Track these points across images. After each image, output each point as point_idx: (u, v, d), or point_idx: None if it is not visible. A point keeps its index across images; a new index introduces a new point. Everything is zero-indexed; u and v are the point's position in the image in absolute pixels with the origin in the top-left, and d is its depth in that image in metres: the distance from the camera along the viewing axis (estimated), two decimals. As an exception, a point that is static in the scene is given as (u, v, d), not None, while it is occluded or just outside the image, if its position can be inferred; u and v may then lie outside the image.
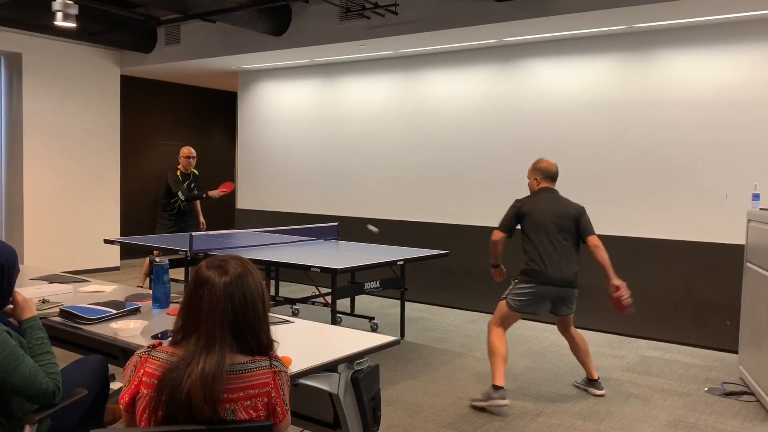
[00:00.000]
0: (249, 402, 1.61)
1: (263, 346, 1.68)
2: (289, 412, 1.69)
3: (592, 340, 5.70)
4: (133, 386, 1.64)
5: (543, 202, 4.25)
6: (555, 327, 6.13)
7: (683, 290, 5.64)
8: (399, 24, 6.23)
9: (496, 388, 3.96)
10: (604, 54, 6.05)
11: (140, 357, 1.67)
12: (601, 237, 5.30)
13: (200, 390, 1.54)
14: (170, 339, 1.70)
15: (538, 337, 5.79)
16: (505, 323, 4.26)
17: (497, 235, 4.31)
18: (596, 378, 4.36)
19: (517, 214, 4.26)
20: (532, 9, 5.47)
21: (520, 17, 5.55)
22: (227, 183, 7.22)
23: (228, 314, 1.61)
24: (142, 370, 1.64)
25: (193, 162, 7.23)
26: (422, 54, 7.14)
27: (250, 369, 1.63)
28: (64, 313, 2.82)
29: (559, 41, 6.24)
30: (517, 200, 4.33)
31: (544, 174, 4.35)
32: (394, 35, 6.32)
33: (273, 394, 1.64)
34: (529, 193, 4.41)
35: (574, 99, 6.21)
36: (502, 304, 4.28)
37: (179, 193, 6.99)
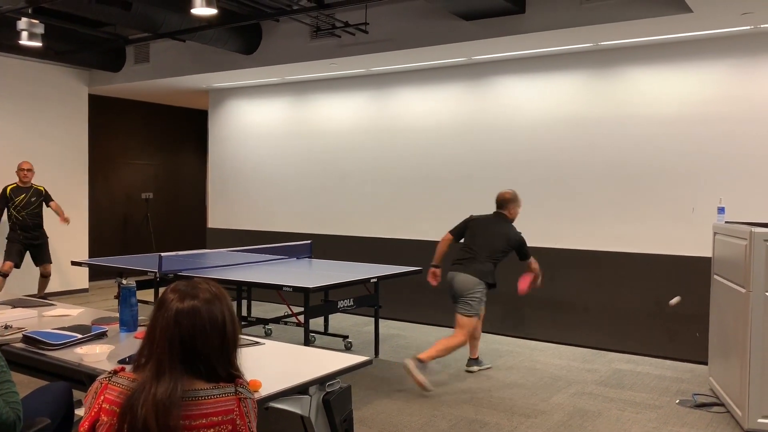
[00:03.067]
0: (212, 430, 1.55)
1: (221, 376, 1.61)
2: None
3: (565, 353, 5.73)
4: (93, 413, 1.60)
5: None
6: (529, 342, 6.17)
7: (653, 303, 5.71)
8: (369, 42, 6.27)
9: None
10: (572, 71, 6.15)
11: (101, 383, 1.63)
12: (570, 252, 5.39)
13: (153, 418, 1.49)
14: (134, 364, 1.66)
15: (512, 352, 5.80)
16: None
17: None
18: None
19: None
20: (500, 28, 5.55)
21: (488, 36, 5.63)
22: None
23: (176, 342, 1.56)
24: (102, 397, 1.60)
25: (30, 175, 7.17)
26: (393, 72, 7.19)
27: (212, 395, 1.57)
28: (27, 339, 2.74)
29: (527, 59, 6.34)
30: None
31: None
32: (364, 53, 6.36)
33: (238, 422, 1.57)
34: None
35: (543, 115, 6.30)
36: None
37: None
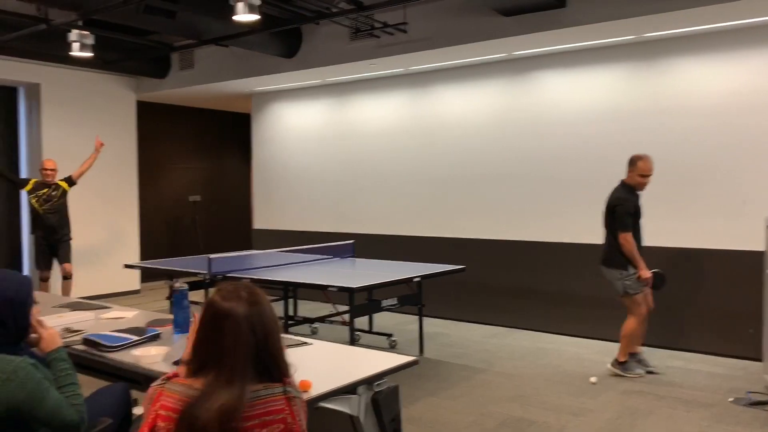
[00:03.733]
0: (265, 430, 1.59)
1: (281, 373, 1.66)
2: None
3: (613, 350, 5.65)
4: (150, 419, 1.64)
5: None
6: (575, 339, 6.10)
7: (704, 299, 5.58)
8: (408, 42, 6.29)
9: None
10: (615, 64, 6.05)
11: (156, 390, 1.67)
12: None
13: (217, 424, 1.52)
14: (186, 368, 1.69)
15: (558, 350, 5.75)
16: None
17: None
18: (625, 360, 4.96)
19: None
20: (540, 23, 5.50)
21: (528, 31, 5.58)
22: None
23: (252, 347, 1.60)
24: (158, 404, 1.64)
25: (53, 175, 7.00)
26: (432, 70, 7.19)
27: (263, 396, 1.61)
28: (87, 342, 2.86)
29: (569, 53, 6.26)
30: None
31: None
32: (403, 53, 6.38)
33: (289, 420, 1.61)
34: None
35: (586, 110, 6.21)
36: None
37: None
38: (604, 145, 6.11)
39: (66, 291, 7.06)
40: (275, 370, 1.65)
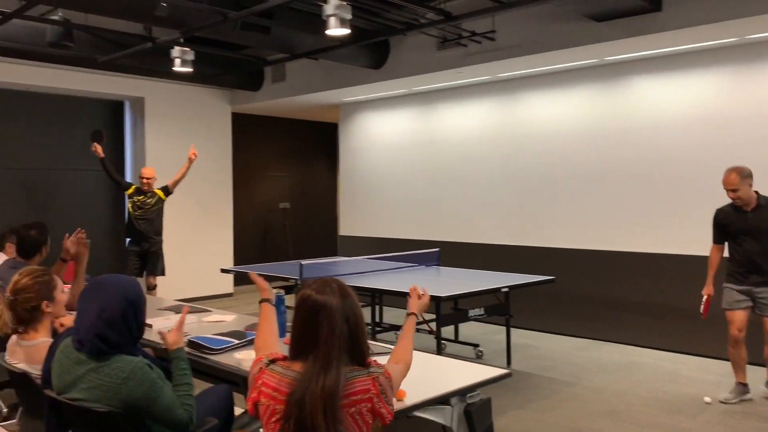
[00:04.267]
0: (354, 408, 1.75)
1: (365, 356, 1.84)
2: (393, 410, 1.83)
3: (712, 367, 5.39)
4: (254, 394, 1.85)
5: None
6: (671, 354, 5.86)
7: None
8: (496, 50, 6.26)
9: None
10: (714, 68, 5.78)
11: (259, 369, 1.88)
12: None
13: (321, 405, 1.69)
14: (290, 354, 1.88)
15: (654, 365, 5.54)
16: None
17: None
18: None
19: None
20: (635, 27, 5.34)
21: (622, 36, 5.43)
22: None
23: (345, 335, 1.78)
24: (260, 381, 1.84)
25: (152, 183, 6.99)
26: (520, 77, 7.12)
27: (352, 377, 1.78)
28: (192, 344, 3.03)
29: (664, 57, 6.04)
30: None
31: (751, 177, 4.43)
32: (491, 61, 6.35)
33: (375, 400, 1.78)
34: (747, 204, 4.44)
35: (682, 116, 5.97)
36: None
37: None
38: (700, 152, 5.85)
39: None
40: (361, 355, 1.83)
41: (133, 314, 2.21)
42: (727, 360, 5.61)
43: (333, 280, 1.89)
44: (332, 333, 1.77)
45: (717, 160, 5.77)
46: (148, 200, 6.98)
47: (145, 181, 6.97)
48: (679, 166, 5.98)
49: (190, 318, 3.75)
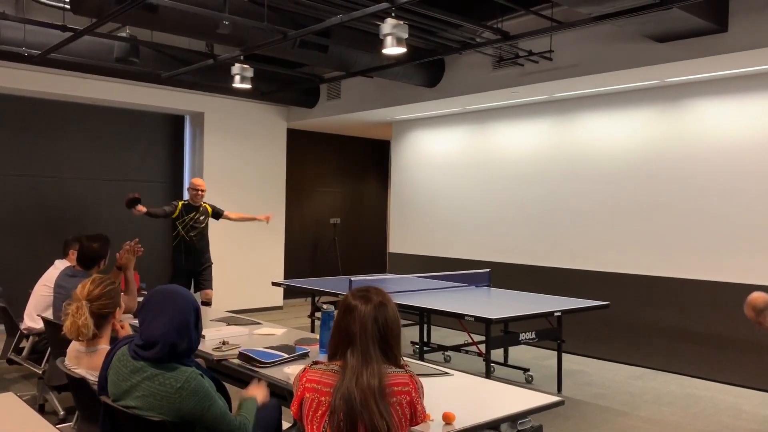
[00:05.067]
0: (395, 399, 1.86)
1: (399, 360, 1.97)
2: (425, 417, 1.97)
3: (751, 398, 5.13)
4: (299, 394, 1.97)
5: None
6: (731, 388, 5.60)
7: None
8: (553, 69, 6.19)
9: None
10: (784, 91, 5.56)
11: (303, 369, 2.01)
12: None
13: (371, 395, 1.83)
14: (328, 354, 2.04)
15: (713, 398, 5.31)
16: None
17: None
18: None
19: None
20: (698, 48, 5.20)
21: (684, 57, 5.29)
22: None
23: (376, 334, 1.93)
24: (304, 378, 1.96)
25: (203, 195, 6.64)
26: (577, 97, 7.01)
27: (394, 372, 1.92)
28: (243, 356, 3.06)
29: (729, 79, 5.85)
30: None
31: None
32: (548, 80, 6.28)
33: (413, 395, 1.90)
34: None
35: (746, 140, 5.75)
36: None
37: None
38: (766, 179, 5.62)
39: None
40: (394, 357, 1.96)
41: (196, 324, 2.26)
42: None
43: (373, 288, 2.03)
44: (365, 331, 1.91)
45: (785, 186, 5.54)
46: (200, 217, 6.65)
47: (200, 193, 6.64)
48: (742, 193, 5.76)
49: (241, 330, 3.80)
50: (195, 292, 6.70)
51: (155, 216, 6.50)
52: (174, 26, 5.45)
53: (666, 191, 6.31)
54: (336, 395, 1.86)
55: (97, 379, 2.46)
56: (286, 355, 3.06)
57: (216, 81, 7.55)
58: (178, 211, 6.55)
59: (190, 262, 6.62)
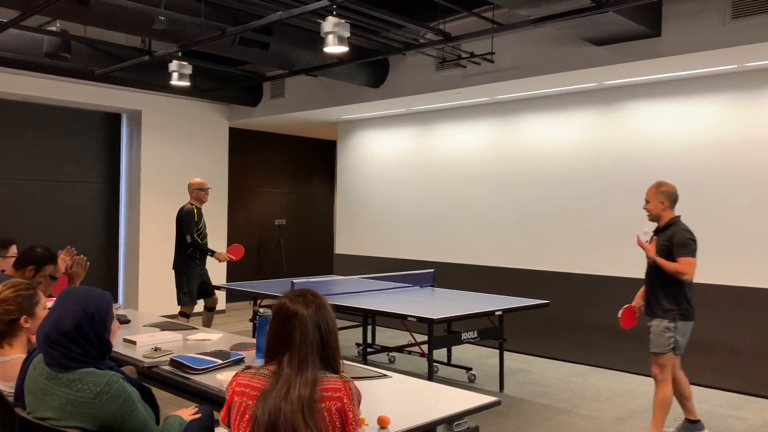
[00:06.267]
0: (323, 405, 1.79)
1: (338, 366, 1.91)
2: (358, 424, 1.88)
3: (709, 398, 5.30)
4: (228, 396, 1.90)
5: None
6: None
7: (814, 347, 5.15)
8: (495, 71, 6.24)
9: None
10: (713, 94, 5.76)
11: (234, 374, 1.94)
12: (717, 288, 4.92)
13: (299, 411, 1.76)
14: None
15: (649, 393, 5.44)
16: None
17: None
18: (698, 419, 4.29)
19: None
20: (634, 52, 5.33)
21: (621, 60, 5.42)
22: (238, 247, 6.49)
23: (317, 341, 1.87)
24: (234, 383, 1.90)
25: (208, 194, 6.43)
26: (519, 99, 7.10)
27: (326, 377, 1.86)
28: (174, 363, 2.95)
29: (664, 83, 6.02)
30: (692, 234, 4.07)
31: (672, 199, 4.17)
32: (490, 82, 6.33)
33: (345, 401, 1.82)
34: (654, 220, 4.21)
35: (681, 142, 5.93)
36: (669, 355, 4.06)
37: (188, 237, 6.13)
38: (698, 178, 5.80)
39: (210, 324, 6.45)
40: (333, 362, 1.91)
41: (91, 327, 2.13)
42: (725, 390, 5.54)
43: (309, 291, 1.98)
44: (305, 338, 1.86)
45: (716, 186, 5.73)
46: (204, 221, 6.43)
47: (209, 191, 6.43)
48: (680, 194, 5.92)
49: (175, 335, 3.67)
50: (206, 297, 6.50)
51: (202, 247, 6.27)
52: (107, 21, 5.25)
53: (605, 192, 6.45)
54: (261, 404, 1.80)
55: (12, 391, 2.32)
56: (221, 361, 2.96)
57: (154, 78, 7.32)
58: (197, 217, 6.29)
59: (202, 268, 6.38)
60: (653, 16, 5.15)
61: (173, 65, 6.06)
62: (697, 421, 4.33)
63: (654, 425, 4.08)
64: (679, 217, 4.17)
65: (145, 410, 2.13)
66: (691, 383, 5.69)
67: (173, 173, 8.85)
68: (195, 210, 6.33)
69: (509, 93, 6.82)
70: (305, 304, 1.91)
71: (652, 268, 4.13)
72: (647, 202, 4.22)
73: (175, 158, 8.86)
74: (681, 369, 4.30)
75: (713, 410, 4.99)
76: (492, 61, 6.18)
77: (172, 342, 3.53)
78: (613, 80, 6.11)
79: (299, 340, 1.85)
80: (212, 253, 6.34)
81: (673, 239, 4.04)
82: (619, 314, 4.41)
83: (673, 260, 4.00)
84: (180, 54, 6.13)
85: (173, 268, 6.41)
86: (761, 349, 5.40)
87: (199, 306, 6.55)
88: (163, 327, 4.00)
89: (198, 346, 3.41)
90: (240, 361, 3.05)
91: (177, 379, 2.85)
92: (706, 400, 5.25)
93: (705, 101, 5.82)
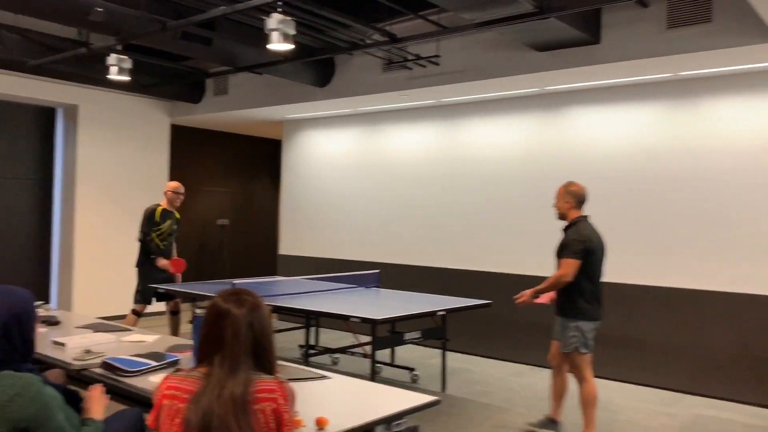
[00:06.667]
0: (258, 406, 1.76)
1: (273, 367, 1.88)
2: (293, 425, 1.87)
3: (643, 396, 5.47)
4: (157, 402, 1.84)
5: (594, 237, 4.19)
6: (604, 382, 5.90)
7: (740, 345, 5.38)
8: (440, 74, 6.29)
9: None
10: (649, 101, 5.96)
11: (164, 378, 1.89)
12: (649, 288, 5.03)
13: (232, 413, 1.72)
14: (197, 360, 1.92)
15: (585, 392, 5.57)
16: (556, 359, 4.28)
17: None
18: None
19: (585, 251, 4.10)
20: (574, 59, 5.46)
21: (561, 66, 5.54)
22: (179, 262, 6.40)
23: (250, 341, 1.83)
24: (164, 386, 1.85)
25: (181, 199, 6.39)
26: (463, 102, 7.18)
27: (261, 378, 1.83)
28: (106, 365, 2.84)
29: (603, 89, 6.19)
30: (581, 235, 4.14)
31: (578, 199, 4.28)
32: (435, 85, 6.38)
33: (280, 402, 1.80)
34: (561, 218, 4.33)
35: (619, 147, 6.12)
36: (582, 355, 4.13)
37: (139, 234, 6.21)
38: (634, 182, 5.99)
39: (177, 328, 6.45)
40: (268, 364, 1.87)
41: (17, 329, 2.05)
42: (658, 388, 5.73)
43: (244, 291, 1.93)
44: (237, 337, 1.81)
45: (651, 190, 5.93)
46: (174, 226, 6.39)
47: (181, 196, 6.38)
48: (616, 197, 6.11)
49: (108, 337, 3.54)
50: (168, 301, 6.40)
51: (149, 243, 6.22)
52: (40, 10, 5.06)
53: (545, 195, 6.55)
54: (193, 406, 1.75)
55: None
56: (155, 363, 2.87)
57: (91, 72, 7.08)
58: (159, 215, 6.23)
59: (163, 272, 6.29)
60: (593, 23, 5.29)
61: (112, 59, 5.85)
62: (556, 422, 4.40)
63: (586, 424, 4.16)
64: (584, 217, 4.29)
65: (66, 416, 2.04)
66: (625, 382, 5.89)
67: (111, 170, 8.58)
68: (159, 211, 6.27)
69: (454, 96, 6.89)
70: (238, 304, 1.87)
71: (557, 265, 4.25)
72: (556, 200, 4.31)
73: (113, 155, 8.59)
74: (568, 370, 4.36)
75: (646, 407, 5.15)
76: (437, 64, 6.23)
77: (105, 344, 3.40)
78: (554, 86, 6.24)
79: (231, 340, 1.81)
80: (154, 257, 6.24)
81: (564, 240, 4.20)
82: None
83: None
84: (119, 47, 5.94)
85: (135, 266, 6.41)
86: (691, 349, 5.61)
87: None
88: (96, 328, 3.85)
89: (132, 348, 3.29)
90: (175, 362, 2.96)
91: (108, 382, 2.74)
92: (639, 398, 5.42)
93: (641, 108, 6.01)
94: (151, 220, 6.22)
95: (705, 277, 5.59)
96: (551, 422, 4.41)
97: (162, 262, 6.26)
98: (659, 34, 5.04)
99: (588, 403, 4.14)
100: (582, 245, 4.10)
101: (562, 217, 4.32)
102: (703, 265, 5.60)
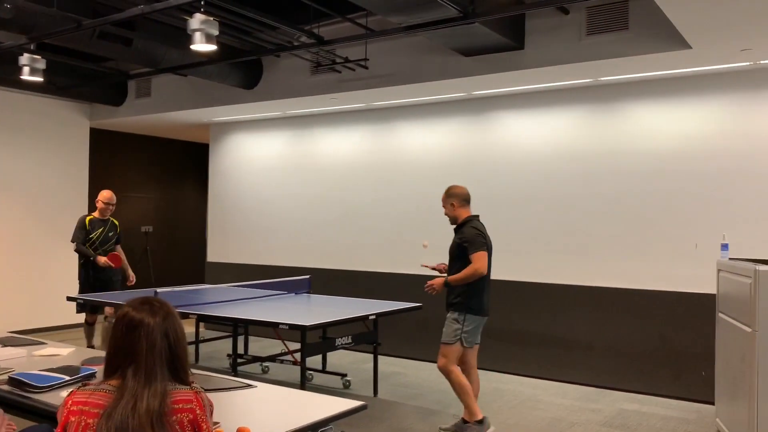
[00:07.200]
0: (174, 417, 1.71)
1: (187, 376, 1.83)
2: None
3: (567, 392, 5.61)
4: (63, 419, 1.74)
5: (487, 234, 4.42)
6: (533, 381, 6.04)
7: (657, 341, 5.61)
8: (369, 78, 6.29)
9: (480, 422, 4.18)
10: (571, 106, 6.15)
11: (69, 393, 1.79)
12: (572, 288, 5.12)
13: (149, 428, 1.66)
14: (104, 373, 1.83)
15: (515, 391, 5.67)
16: (459, 360, 4.36)
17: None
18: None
19: (485, 245, 4.34)
20: (499, 64, 5.57)
21: (487, 71, 5.64)
22: (115, 255, 6.44)
23: (165, 351, 1.78)
24: (70, 402, 1.75)
25: (111, 209, 6.49)
26: (393, 107, 7.20)
27: (177, 389, 1.77)
28: (13, 381, 2.66)
29: (527, 94, 6.34)
30: (480, 231, 4.35)
31: (462, 198, 4.47)
32: (364, 89, 6.37)
33: (198, 412, 1.75)
34: (454, 222, 4.50)
35: (543, 150, 6.28)
36: (456, 346, 4.28)
37: (73, 242, 6.37)
38: (557, 183, 6.16)
39: (91, 338, 6.58)
40: (183, 373, 1.82)
41: None
42: (582, 384, 5.89)
43: (155, 299, 1.88)
44: (152, 348, 1.76)
45: (573, 193, 6.10)
46: (109, 233, 6.46)
47: (110, 208, 6.47)
48: (540, 199, 6.26)
49: (19, 351, 3.34)
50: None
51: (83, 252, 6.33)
52: (-59, 4, 4.72)
53: (473, 197, 6.66)
54: (105, 421, 1.67)
55: None
56: (67, 377, 2.71)
57: (1, 72, 6.70)
58: (88, 226, 6.36)
59: (98, 278, 6.37)
60: (517, 29, 5.41)
61: (24, 58, 5.55)
62: (468, 423, 4.40)
63: (467, 412, 4.27)
64: (475, 216, 4.49)
65: None
66: (550, 380, 6.03)
67: (26, 175, 8.14)
68: (88, 220, 6.39)
69: (383, 100, 6.90)
70: (151, 313, 1.80)
71: (450, 264, 4.42)
72: (444, 209, 4.52)
73: (27, 159, 8.16)
74: (477, 368, 4.51)
75: (572, 404, 5.29)
76: (366, 68, 6.22)
77: (14, 359, 3.20)
78: (480, 90, 6.35)
79: (145, 351, 1.74)
80: (93, 257, 6.30)
81: (463, 237, 4.34)
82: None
83: (468, 257, 4.26)
84: (32, 47, 5.64)
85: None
86: (614, 346, 5.81)
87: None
88: (5, 343, 3.62)
89: (45, 363, 3.11)
90: (91, 376, 2.81)
91: (14, 398, 2.57)
92: (564, 395, 5.56)
93: (564, 112, 6.19)
94: (81, 229, 6.34)
95: (624, 275, 5.80)
96: (465, 423, 4.38)
97: (102, 260, 6.28)
98: (579, 40, 5.21)
99: (464, 391, 4.26)
100: (483, 239, 4.33)
101: (454, 221, 4.50)
102: (622, 264, 5.81)
